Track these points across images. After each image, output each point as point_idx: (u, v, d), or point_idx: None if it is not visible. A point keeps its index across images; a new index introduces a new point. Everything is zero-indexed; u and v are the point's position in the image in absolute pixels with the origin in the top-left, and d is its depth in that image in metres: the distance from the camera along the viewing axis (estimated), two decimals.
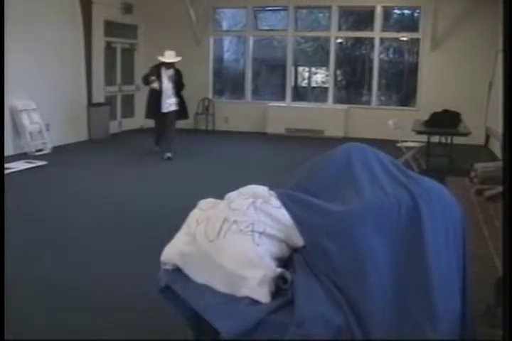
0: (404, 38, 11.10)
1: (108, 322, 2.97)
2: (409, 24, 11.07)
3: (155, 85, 7.65)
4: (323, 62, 11.69)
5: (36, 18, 8.27)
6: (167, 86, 7.72)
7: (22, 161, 7.49)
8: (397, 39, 11.19)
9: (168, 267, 2.24)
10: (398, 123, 7.83)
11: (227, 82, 12.52)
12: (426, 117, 7.79)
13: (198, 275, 2.12)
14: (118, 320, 2.99)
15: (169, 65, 7.64)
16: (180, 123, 8.78)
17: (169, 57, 7.62)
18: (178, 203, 4.14)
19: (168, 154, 7.90)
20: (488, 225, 2.86)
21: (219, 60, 12.26)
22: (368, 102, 11.22)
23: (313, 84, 12.42)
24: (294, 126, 10.97)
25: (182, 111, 8.04)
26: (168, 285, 2.20)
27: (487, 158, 7.36)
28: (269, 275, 1.98)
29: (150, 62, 7.53)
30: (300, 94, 12.07)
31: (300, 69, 12.37)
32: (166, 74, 7.68)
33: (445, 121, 7.44)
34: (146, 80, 7.81)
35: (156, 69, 7.72)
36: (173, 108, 7.84)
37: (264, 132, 11.16)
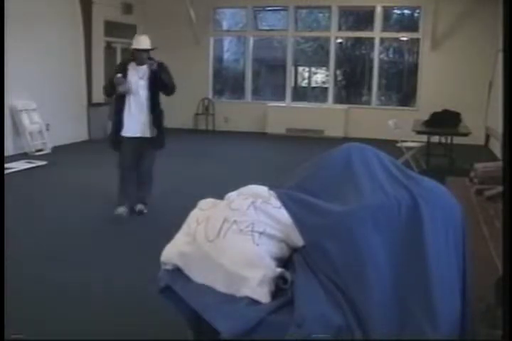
0: (404, 38, 11.10)
1: (108, 322, 2.97)
2: (409, 24, 11.07)
3: (122, 89, 4.80)
4: (323, 62, 11.69)
5: (36, 18, 8.27)
6: (140, 91, 4.88)
7: (22, 161, 7.49)
8: (397, 39, 11.19)
9: (168, 267, 2.24)
10: (398, 123, 7.83)
11: (227, 82, 12.52)
12: (426, 117, 7.79)
13: (198, 275, 2.12)
14: (118, 320, 2.99)
15: (141, 57, 4.85)
16: (179, 123, 8.68)
17: (142, 42, 4.87)
18: (178, 203, 4.13)
19: (141, 206, 5.12)
20: (488, 225, 2.86)
21: (219, 60, 12.26)
22: (368, 102, 11.22)
23: (313, 84, 12.42)
24: (294, 126, 10.97)
25: (157, 139, 5.05)
26: (168, 285, 2.20)
27: (487, 158, 7.35)
28: (269, 275, 1.98)
29: None
30: (300, 94, 12.07)
31: (300, 69, 12.37)
32: (137, 73, 4.88)
33: (445, 121, 7.44)
34: (109, 89, 4.94)
35: (122, 68, 4.96)
36: (149, 133, 4.95)
37: (264, 132, 11.15)
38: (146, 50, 4.89)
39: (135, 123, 4.92)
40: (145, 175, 5.13)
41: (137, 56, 4.89)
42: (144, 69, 4.90)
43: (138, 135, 4.94)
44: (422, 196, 2.03)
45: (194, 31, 11.14)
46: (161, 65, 4.94)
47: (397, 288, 1.90)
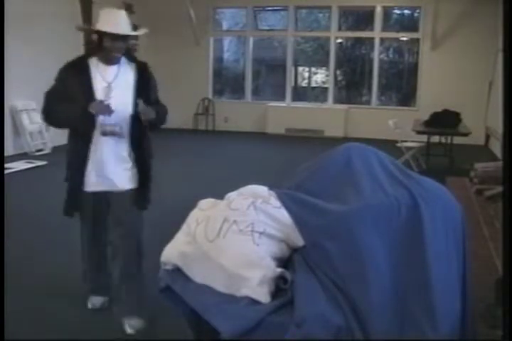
0: (404, 38, 11.11)
1: (108, 321, 2.97)
2: (409, 24, 11.08)
3: (109, 128, 2.73)
4: (323, 62, 11.70)
5: (36, 18, 8.26)
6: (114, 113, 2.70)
7: (22, 161, 7.49)
8: (397, 39, 11.20)
9: (168, 267, 2.24)
10: (398, 123, 7.84)
11: (227, 82, 12.52)
12: (426, 117, 7.80)
13: (198, 275, 2.12)
14: (118, 320, 2.99)
15: (114, 50, 2.71)
16: (179, 123, 8.60)
17: (117, 24, 2.64)
18: (178, 203, 4.14)
19: (133, 322, 2.84)
20: (488, 225, 2.86)
21: (219, 60, 12.26)
22: (368, 102, 11.22)
23: (313, 84, 12.43)
24: (294, 126, 10.97)
25: (143, 193, 2.94)
26: (168, 285, 2.20)
27: (487, 158, 7.35)
28: (269, 276, 1.98)
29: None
30: (300, 94, 12.07)
31: (300, 69, 12.38)
32: (104, 79, 2.75)
33: (445, 121, 7.45)
34: (52, 110, 3.05)
35: (81, 71, 2.77)
36: (130, 184, 2.88)
37: (264, 132, 11.15)
38: (125, 38, 2.71)
39: (105, 168, 2.82)
40: (131, 259, 2.92)
41: (108, 47, 2.69)
42: (116, 71, 2.78)
43: (108, 188, 2.85)
44: (422, 196, 2.03)
45: (194, 31, 11.14)
46: (144, 67, 2.90)
47: (397, 288, 1.90)
